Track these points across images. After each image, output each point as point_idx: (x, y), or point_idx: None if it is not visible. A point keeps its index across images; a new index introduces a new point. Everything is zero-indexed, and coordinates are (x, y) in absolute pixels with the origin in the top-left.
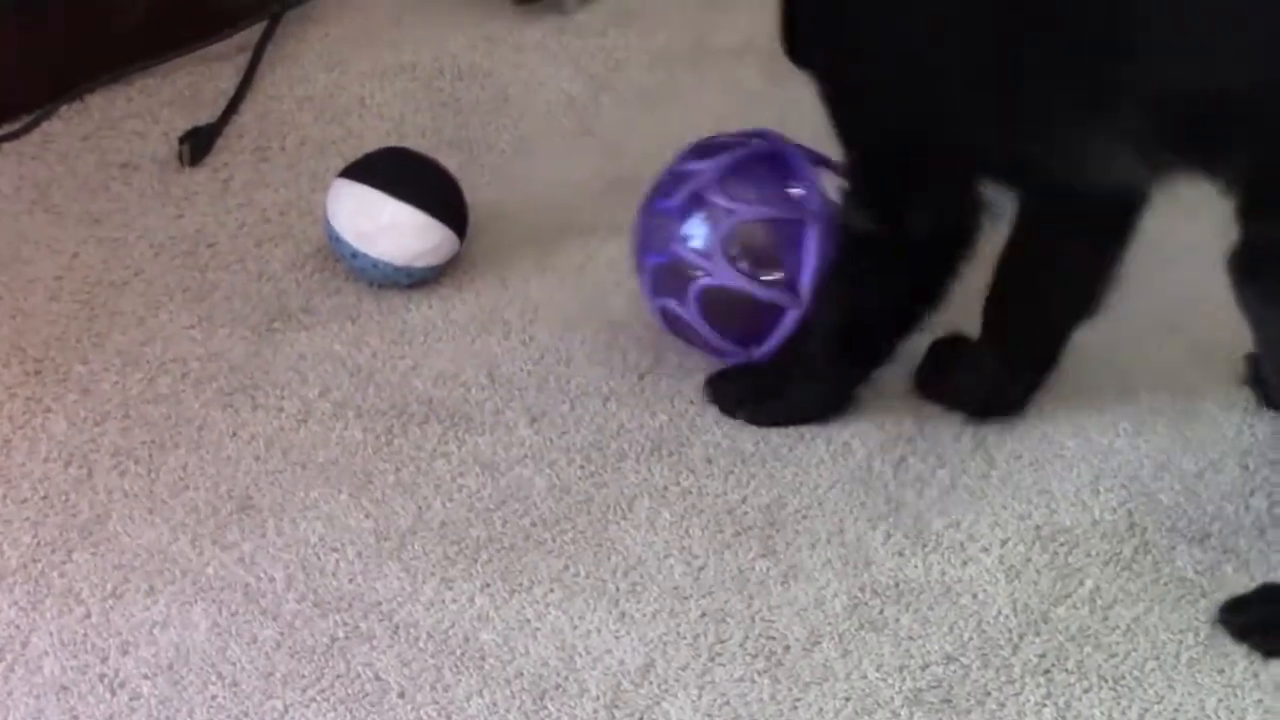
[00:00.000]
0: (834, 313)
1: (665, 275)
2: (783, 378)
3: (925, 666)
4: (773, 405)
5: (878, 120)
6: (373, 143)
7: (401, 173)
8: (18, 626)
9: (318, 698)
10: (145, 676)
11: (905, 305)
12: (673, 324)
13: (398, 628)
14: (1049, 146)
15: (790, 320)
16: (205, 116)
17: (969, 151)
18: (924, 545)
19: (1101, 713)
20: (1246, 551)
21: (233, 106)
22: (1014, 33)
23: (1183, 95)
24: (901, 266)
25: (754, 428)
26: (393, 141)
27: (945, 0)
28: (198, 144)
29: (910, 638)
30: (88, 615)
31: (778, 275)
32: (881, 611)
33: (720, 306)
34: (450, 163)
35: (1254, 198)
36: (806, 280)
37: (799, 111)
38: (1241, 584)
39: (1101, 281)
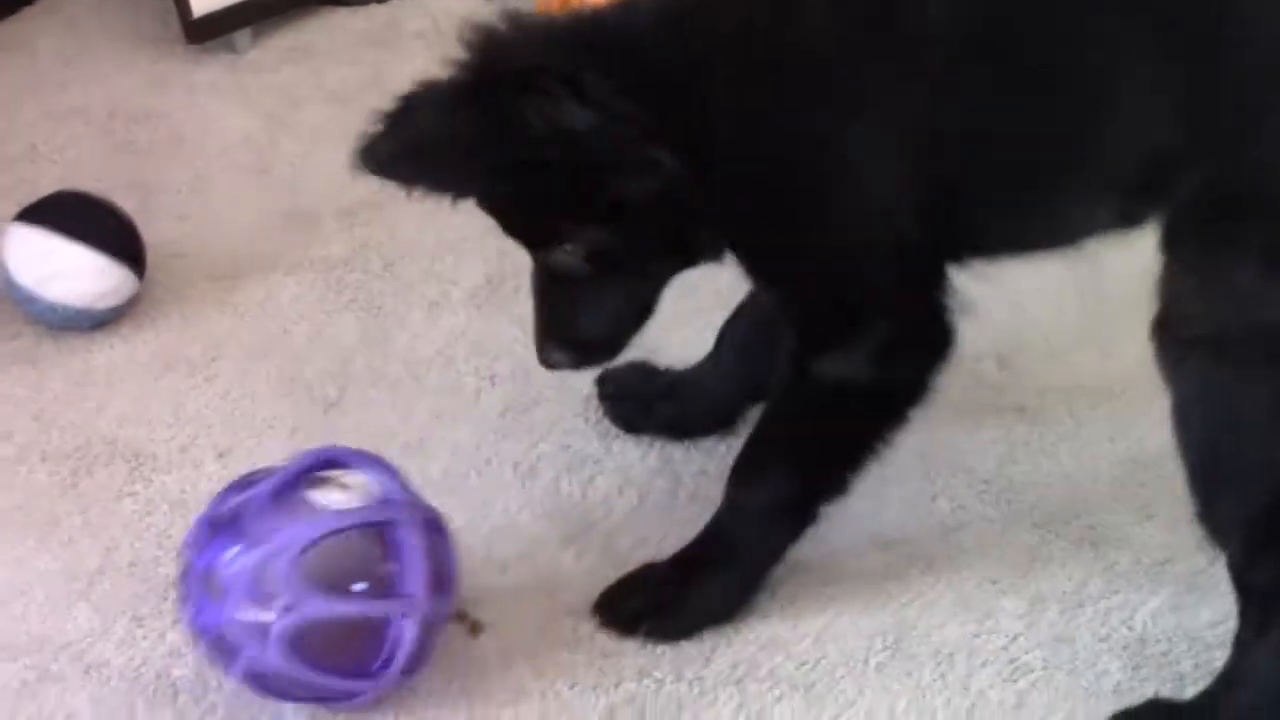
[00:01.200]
0: (792, 477)
1: (235, 628)
2: (692, 579)
3: (619, 683)
4: (682, 612)
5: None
6: (47, 187)
7: (77, 215)
8: None
9: None
10: None
11: (871, 452)
12: (261, 683)
13: (89, 667)
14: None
15: (408, 628)
16: None
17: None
18: (614, 560)
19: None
20: (931, 554)
21: None
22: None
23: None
24: (889, 407)
25: (438, 452)
26: (67, 185)
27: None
28: None
29: (604, 655)
30: None
31: (363, 585)
32: (575, 630)
33: (312, 641)
34: (127, 204)
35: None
36: (413, 580)
37: None
38: (928, 585)
39: None
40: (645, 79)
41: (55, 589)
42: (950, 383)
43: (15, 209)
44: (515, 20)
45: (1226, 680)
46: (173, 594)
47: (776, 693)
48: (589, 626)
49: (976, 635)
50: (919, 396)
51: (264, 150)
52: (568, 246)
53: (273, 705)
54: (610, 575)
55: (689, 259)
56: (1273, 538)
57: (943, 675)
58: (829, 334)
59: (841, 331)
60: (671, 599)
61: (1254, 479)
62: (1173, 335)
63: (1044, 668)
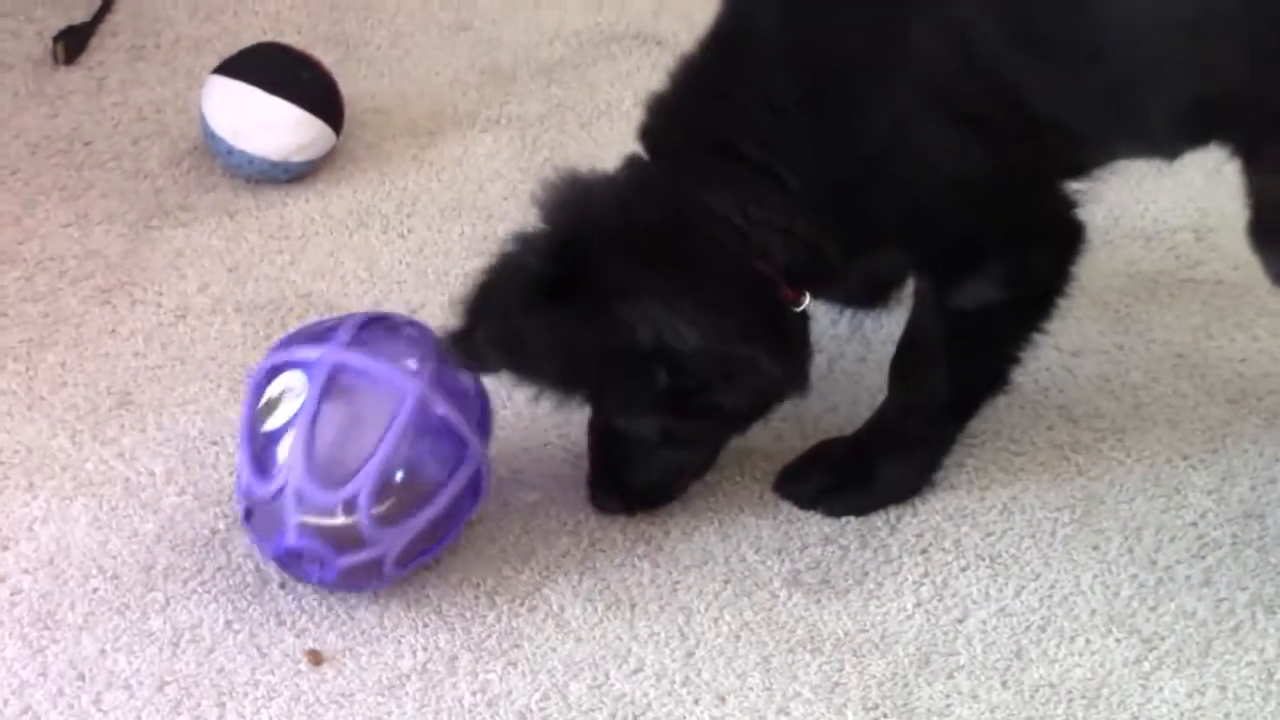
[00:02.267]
0: (958, 388)
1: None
2: (871, 461)
3: (804, 548)
4: (862, 492)
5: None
6: (248, 39)
7: (277, 68)
8: None
9: (199, 590)
10: (26, 571)
11: (1017, 348)
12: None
13: None
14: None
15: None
16: (79, 15)
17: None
18: (803, 428)
19: (979, 590)
20: (1122, 427)
21: (107, 4)
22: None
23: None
24: (1036, 313)
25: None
26: (268, 38)
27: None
28: (72, 42)
29: (789, 520)
30: None
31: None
32: (760, 496)
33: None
34: (326, 58)
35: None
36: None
37: None
38: (1117, 460)
39: None
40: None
41: None
42: (1145, 255)
43: (216, 59)
44: (588, 188)
45: None
46: None
47: (962, 563)
48: (773, 493)
49: (1165, 510)
50: (1059, 292)
51: (463, 6)
52: (645, 419)
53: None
54: (798, 442)
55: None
56: None
57: (1130, 549)
58: (956, 271)
59: (967, 265)
60: (849, 480)
61: None
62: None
63: (1233, 543)
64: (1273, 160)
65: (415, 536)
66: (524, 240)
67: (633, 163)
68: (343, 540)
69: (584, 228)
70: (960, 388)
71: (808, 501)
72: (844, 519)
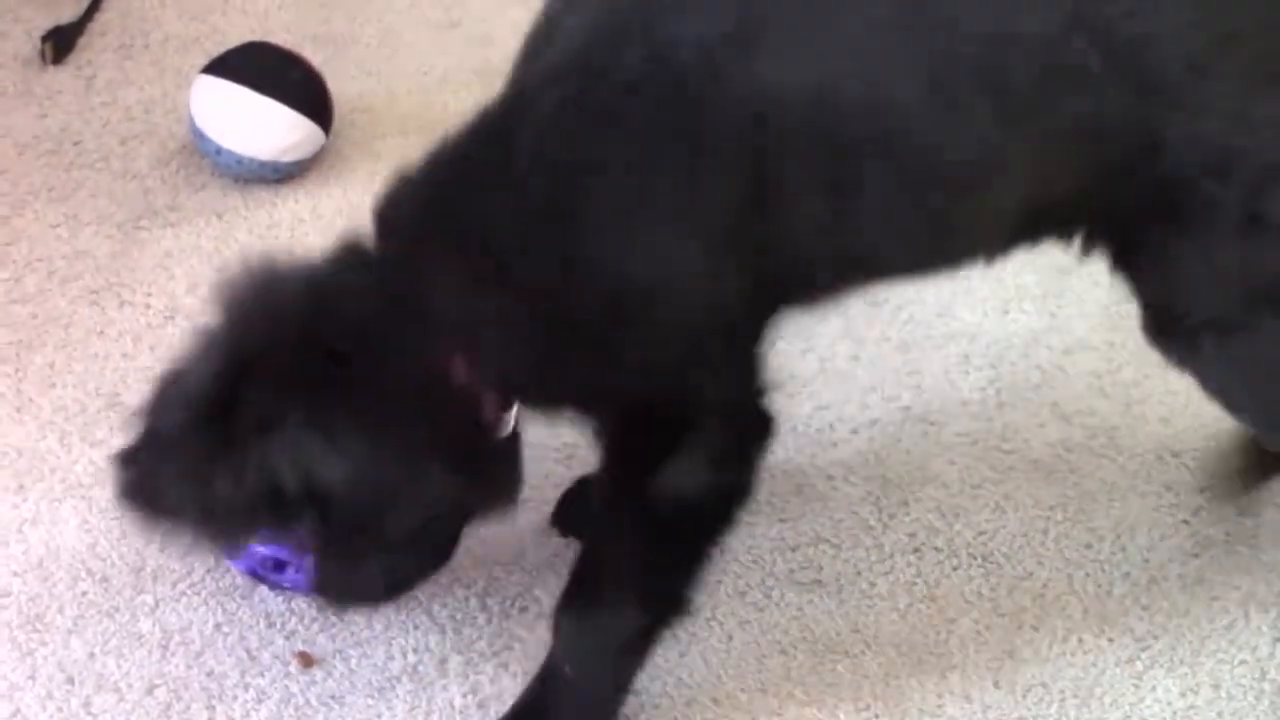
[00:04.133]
0: (631, 609)
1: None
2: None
3: (796, 548)
4: None
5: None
6: (236, 39)
7: (266, 68)
8: None
9: (188, 592)
10: (15, 574)
11: (709, 556)
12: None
13: None
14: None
15: None
16: (67, 14)
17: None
18: (794, 429)
19: (971, 589)
20: (1114, 426)
21: (95, 4)
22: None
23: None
24: (739, 497)
25: None
26: (257, 37)
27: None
28: (60, 42)
29: (781, 520)
30: None
31: None
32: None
33: None
34: (315, 58)
35: (1130, 265)
36: None
37: None
38: (1109, 458)
39: None
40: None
41: None
42: None
43: (205, 58)
44: (276, 280)
45: None
46: None
47: (954, 561)
48: (766, 492)
49: (1156, 508)
50: (750, 492)
51: (453, 5)
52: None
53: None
54: (790, 441)
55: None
56: None
57: (1122, 548)
58: (661, 449)
59: (673, 444)
60: None
61: None
62: (1176, 330)
63: (1225, 541)
64: (1148, 263)
65: None
66: (200, 345)
67: (348, 247)
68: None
69: (253, 335)
70: (644, 608)
71: None
72: (838, 517)
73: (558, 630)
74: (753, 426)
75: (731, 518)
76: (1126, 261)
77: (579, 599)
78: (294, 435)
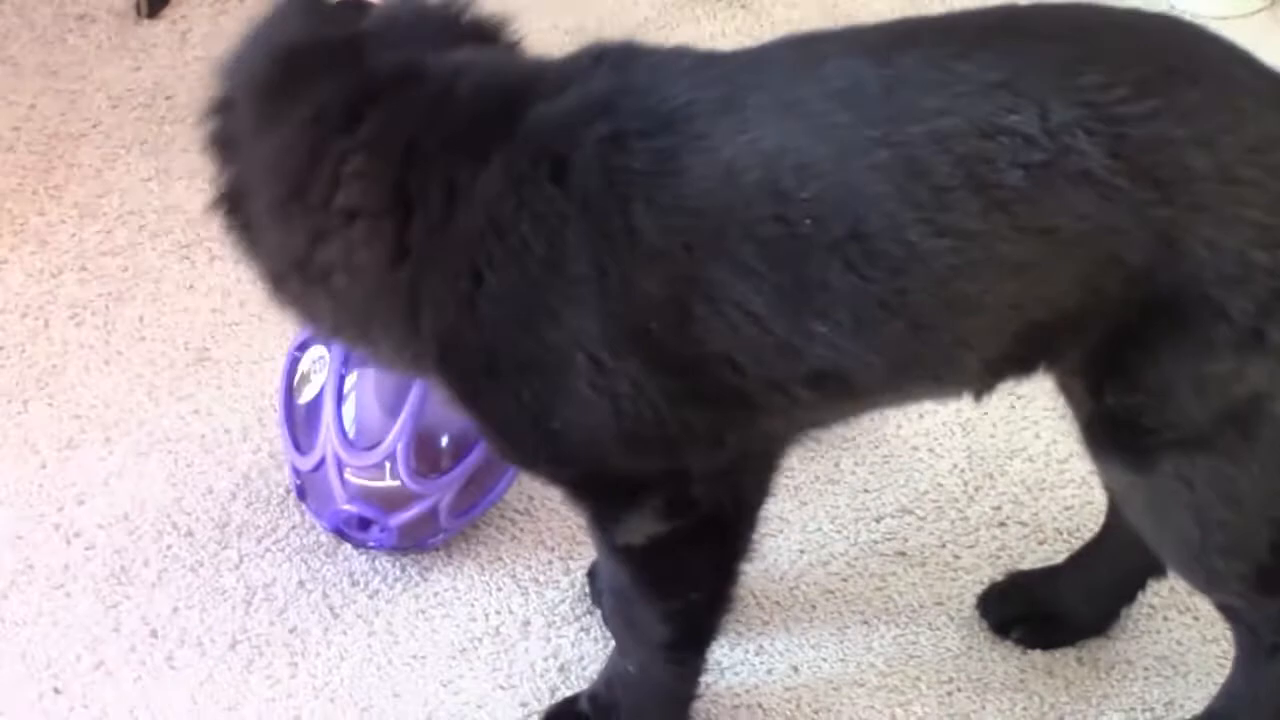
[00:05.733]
0: (666, 629)
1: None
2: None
3: (879, 519)
4: None
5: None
6: None
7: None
8: None
9: (273, 548)
10: (100, 526)
11: (734, 569)
12: None
13: None
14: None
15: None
16: None
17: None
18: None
19: (1056, 562)
20: None
21: None
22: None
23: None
24: (715, 535)
25: None
26: None
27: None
28: None
29: (865, 490)
30: (43, 466)
31: None
32: (837, 465)
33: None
34: None
35: (1103, 375)
36: None
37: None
38: None
39: None
40: None
41: None
42: None
43: None
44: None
45: (1227, 699)
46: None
47: (1039, 536)
48: (851, 461)
49: None
50: (734, 515)
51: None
52: None
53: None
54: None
55: None
56: (1276, 581)
57: None
58: (615, 507)
59: (615, 504)
60: None
61: (1256, 540)
62: (1136, 445)
63: None
64: (1127, 372)
65: (462, 486)
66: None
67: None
68: (391, 499)
69: None
70: (673, 630)
71: None
72: (921, 488)
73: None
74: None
75: (721, 536)
76: (1096, 369)
77: (613, 612)
78: None
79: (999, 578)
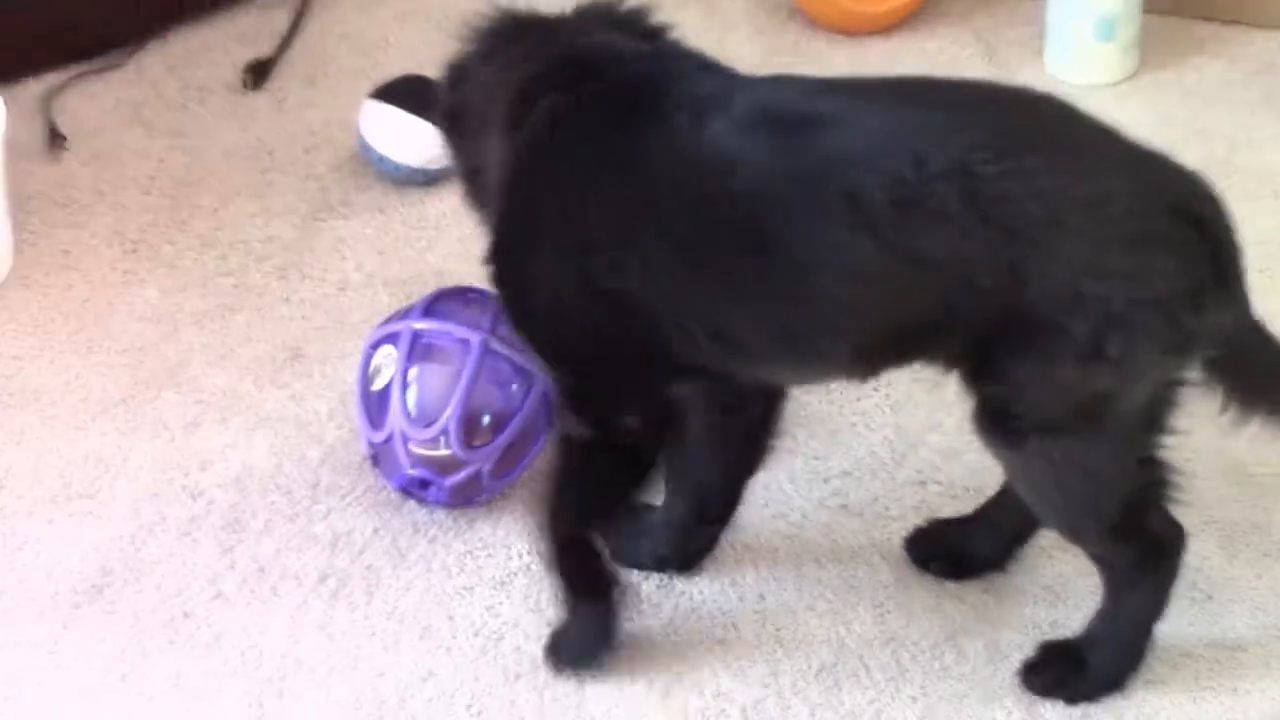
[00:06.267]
0: (551, 517)
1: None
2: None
3: (827, 479)
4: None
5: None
6: (396, 71)
7: (418, 94)
8: (119, 447)
9: (353, 503)
10: (219, 487)
11: (621, 493)
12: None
13: None
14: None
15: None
16: (265, 50)
17: (672, 371)
18: (827, 386)
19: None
20: None
21: (287, 42)
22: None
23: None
24: (621, 460)
25: None
26: (411, 70)
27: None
28: (259, 72)
29: (815, 457)
30: (173, 440)
31: None
32: (794, 437)
33: None
34: None
35: (976, 370)
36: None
37: (729, 50)
38: None
39: (769, 439)
40: None
41: None
42: None
43: (371, 86)
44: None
45: (1100, 620)
46: None
47: (952, 492)
48: (805, 434)
49: None
50: (640, 453)
51: None
52: None
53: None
54: (822, 393)
55: None
56: (1127, 533)
57: None
58: (561, 395)
59: (566, 395)
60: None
61: (1109, 504)
62: (1007, 427)
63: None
64: (993, 371)
65: (502, 454)
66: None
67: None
68: (445, 465)
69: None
70: (563, 520)
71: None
72: (859, 456)
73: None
74: (632, 409)
75: (629, 460)
76: (972, 367)
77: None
78: None
79: (922, 524)
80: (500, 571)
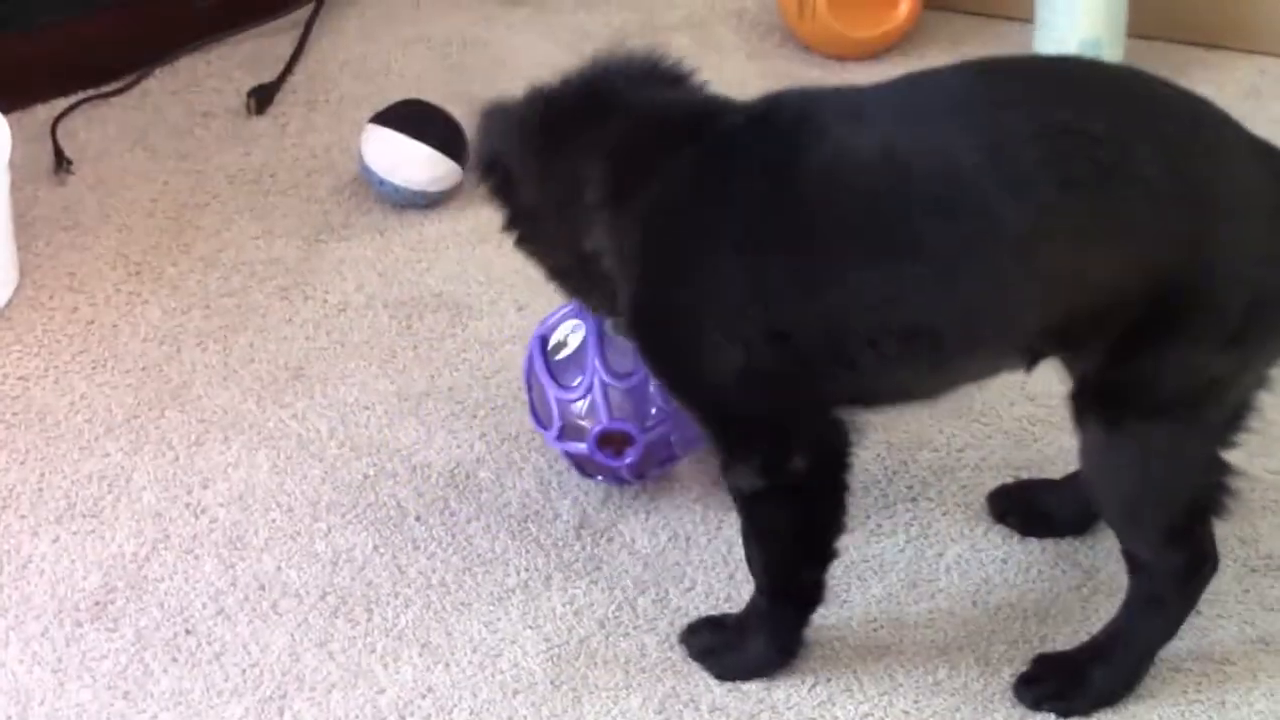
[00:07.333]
0: (763, 571)
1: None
2: (742, 633)
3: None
4: (732, 659)
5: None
6: (396, 96)
7: (417, 118)
8: (123, 467)
9: (354, 521)
10: (221, 505)
11: (819, 538)
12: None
13: (415, 468)
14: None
15: None
16: (268, 76)
17: (839, 393)
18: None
19: (955, 530)
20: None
21: (289, 68)
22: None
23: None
24: (802, 504)
25: None
26: (411, 95)
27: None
28: (262, 97)
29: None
30: (177, 459)
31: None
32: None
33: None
34: (456, 112)
35: (1111, 351)
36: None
37: (723, 75)
38: (1065, 430)
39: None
40: None
41: (391, 405)
42: None
43: (372, 111)
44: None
45: (1106, 637)
46: (481, 413)
47: (943, 508)
48: None
49: None
50: (821, 492)
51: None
52: None
53: (552, 503)
54: None
55: None
56: (1181, 538)
57: None
58: (724, 452)
59: (731, 450)
60: (729, 647)
61: (1180, 497)
62: (1112, 408)
63: None
64: (1126, 354)
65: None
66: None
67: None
68: (643, 420)
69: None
70: (767, 575)
71: (697, 655)
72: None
73: None
74: (812, 447)
75: (801, 509)
76: (1108, 347)
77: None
78: None
79: (913, 541)
80: (498, 588)
